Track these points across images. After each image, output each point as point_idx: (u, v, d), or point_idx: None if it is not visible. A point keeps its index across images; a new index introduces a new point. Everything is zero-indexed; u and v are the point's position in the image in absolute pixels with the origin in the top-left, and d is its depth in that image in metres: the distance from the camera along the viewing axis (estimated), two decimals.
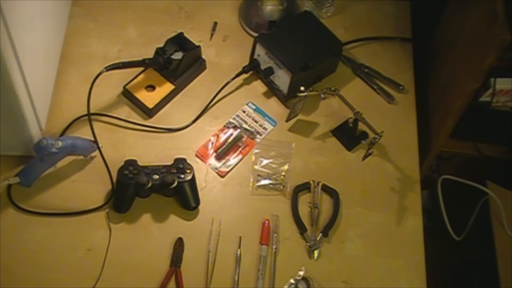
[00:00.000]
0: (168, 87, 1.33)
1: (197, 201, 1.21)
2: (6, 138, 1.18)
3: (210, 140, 1.30)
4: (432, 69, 1.45)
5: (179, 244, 1.17)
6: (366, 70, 1.41)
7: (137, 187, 1.18)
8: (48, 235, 1.17)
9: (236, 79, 1.35)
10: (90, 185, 1.22)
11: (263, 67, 1.35)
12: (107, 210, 1.20)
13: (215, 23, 1.46)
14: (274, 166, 1.27)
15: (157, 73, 1.34)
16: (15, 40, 1.03)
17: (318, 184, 1.25)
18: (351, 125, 1.31)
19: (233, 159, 1.28)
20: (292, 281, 1.15)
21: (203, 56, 1.38)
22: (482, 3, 1.18)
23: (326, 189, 1.25)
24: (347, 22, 1.48)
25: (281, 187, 1.25)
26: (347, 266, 1.18)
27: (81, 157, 1.24)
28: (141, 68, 1.33)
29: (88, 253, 1.15)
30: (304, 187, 1.25)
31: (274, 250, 1.18)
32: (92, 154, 1.24)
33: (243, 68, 1.36)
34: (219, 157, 1.27)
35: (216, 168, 1.27)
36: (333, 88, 1.31)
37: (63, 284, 1.12)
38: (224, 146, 1.28)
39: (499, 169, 1.39)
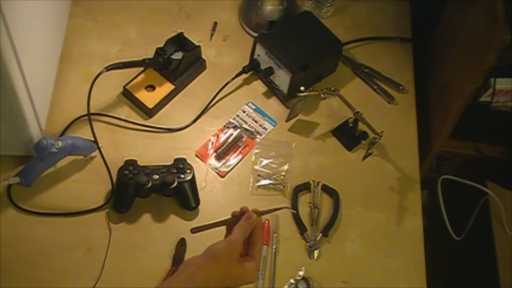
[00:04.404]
0: (168, 87, 1.33)
1: (197, 201, 1.21)
2: (6, 138, 1.18)
3: (210, 140, 1.30)
4: (432, 69, 1.45)
5: (181, 244, 1.16)
6: (366, 70, 1.41)
7: (137, 187, 1.18)
8: (48, 235, 1.17)
9: (236, 79, 1.35)
10: (90, 185, 1.22)
11: (263, 67, 1.35)
12: (107, 210, 1.20)
13: (215, 23, 1.46)
14: (274, 166, 1.27)
15: (157, 73, 1.34)
16: (15, 40, 1.03)
17: (318, 184, 1.25)
18: (351, 125, 1.31)
19: (233, 159, 1.28)
20: (292, 281, 1.15)
21: (203, 56, 1.38)
22: (482, 3, 1.18)
23: (326, 189, 1.25)
24: (347, 22, 1.48)
25: (281, 187, 1.25)
26: (347, 266, 1.18)
27: (81, 157, 1.24)
28: (141, 68, 1.34)
29: (88, 253, 1.15)
30: (304, 187, 1.25)
31: (274, 250, 1.18)
32: (92, 154, 1.24)
33: (243, 68, 1.36)
34: (219, 157, 1.27)
35: (216, 168, 1.27)
36: (333, 88, 1.31)
37: (63, 284, 1.12)
38: (224, 146, 1.28)
39: (499, 169, 1.39)
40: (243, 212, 0.91)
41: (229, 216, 0.92)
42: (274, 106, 1.36)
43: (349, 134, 1.32)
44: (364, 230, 1.22)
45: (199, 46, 1.35)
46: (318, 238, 1.19)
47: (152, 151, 1.27)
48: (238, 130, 1.31)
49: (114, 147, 1.27)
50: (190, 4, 1.48)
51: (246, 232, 0.88)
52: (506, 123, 1.31)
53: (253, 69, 1.36)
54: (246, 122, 1.33)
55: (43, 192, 1.21)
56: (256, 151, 1.29)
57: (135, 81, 1.33)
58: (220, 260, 0.84)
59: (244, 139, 1.30)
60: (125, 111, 1.32)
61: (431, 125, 1.39)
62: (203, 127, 1.32)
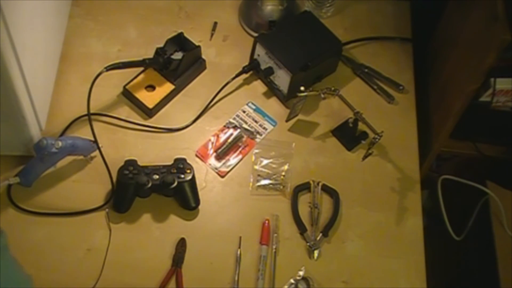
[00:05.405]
0: (168, 87, 1.33)
1: (197, 201, 1.21)
2: (6, 138, 1.18)
3: (210, 140, 1.30)
4: (432, 69, 1.45)
5: (181, 245, 1.16)
6: (366, 70, 1.41)
7: (137, 187, 1.18)
8: (48, 235, 1.17)
9: (236, 79, 1.35)
10: (90, 185, 1.22)
11: (263, 67, 1.35)
12: (107, 210, 1.20)
13: (215, 23, 1.46)
14: (274, 166, 1.27)
15: (157, 73, 1.34)
16: (15, 40, 1.03)
17: (318, 184, 1.25)
18: (351, 125, 1.31)
19: (233, 159, 1.28)
20: (292, 281, 1.15)
21: (203, 56, 1.38)
22: (482, 3, 1.18)
23: (326, 189, 1.25)
24: (347, 22, 1.48)
25: (281, 187, 1.25)
26: (347, 266, 1.18)
27: (81, 157, 1.24)
28: (141, 68, 1.34)
29: (88, 253, 1.15)
30: (304, 187, 1.25)
31: (274, 250, 1.18)
32: (92, 154, 1.24)
33: (243, 68, 1.36)
34: (219, 157, 1.27)
35: (216, 168, 1.27)
36: (333, 88, 1.31)
37: (63, 284, 1.12)
38: (224, 146, 1.28)
39: (499, 169, 1.39)
40: None
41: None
42: (274, 106, 1.36)
43: (349, 134, 1.32)
44: (364, 230, 1.22)
45: (199, 46, 1.35)
46: (318, 238, 1.19)
47: (152, 151, 1.27)
48: (238, 130, 1.31)
49: (114, 147, 1.27)
50: (190, 4, 1.48)
51: None
52: (506, 123, 1.31)
53: (253, 69, 1.36)
54: (246, 122, 1.33)
55: (43, 192, 1.21)
56: (256, 151, 1.29)
57: (135, 81, 1.33)
58: None
59: (244, 139, 1.30)
60: (125, 111, 1.32)
61: (431, 125, 1.39)
62: (203, 127, 1.32)
